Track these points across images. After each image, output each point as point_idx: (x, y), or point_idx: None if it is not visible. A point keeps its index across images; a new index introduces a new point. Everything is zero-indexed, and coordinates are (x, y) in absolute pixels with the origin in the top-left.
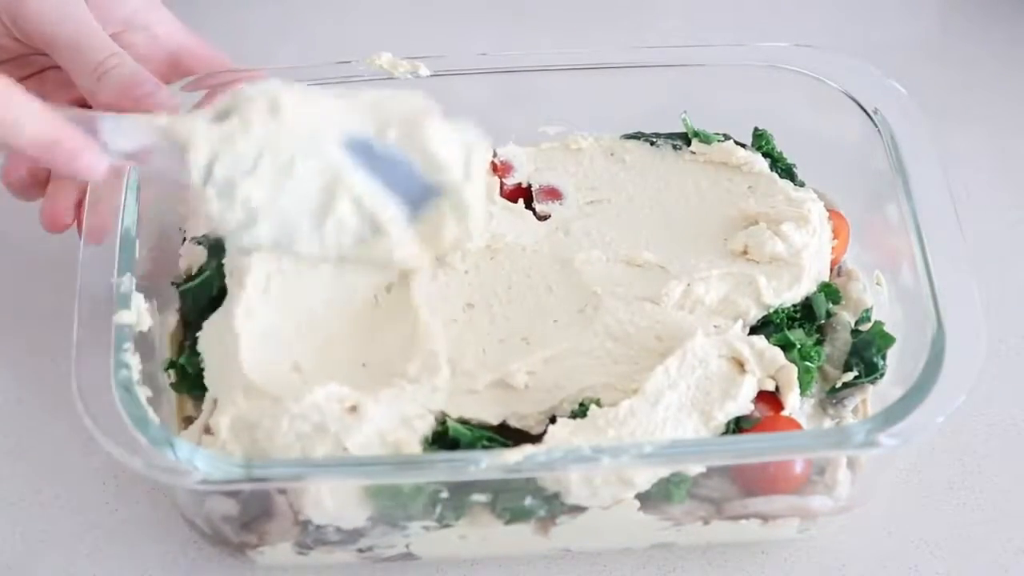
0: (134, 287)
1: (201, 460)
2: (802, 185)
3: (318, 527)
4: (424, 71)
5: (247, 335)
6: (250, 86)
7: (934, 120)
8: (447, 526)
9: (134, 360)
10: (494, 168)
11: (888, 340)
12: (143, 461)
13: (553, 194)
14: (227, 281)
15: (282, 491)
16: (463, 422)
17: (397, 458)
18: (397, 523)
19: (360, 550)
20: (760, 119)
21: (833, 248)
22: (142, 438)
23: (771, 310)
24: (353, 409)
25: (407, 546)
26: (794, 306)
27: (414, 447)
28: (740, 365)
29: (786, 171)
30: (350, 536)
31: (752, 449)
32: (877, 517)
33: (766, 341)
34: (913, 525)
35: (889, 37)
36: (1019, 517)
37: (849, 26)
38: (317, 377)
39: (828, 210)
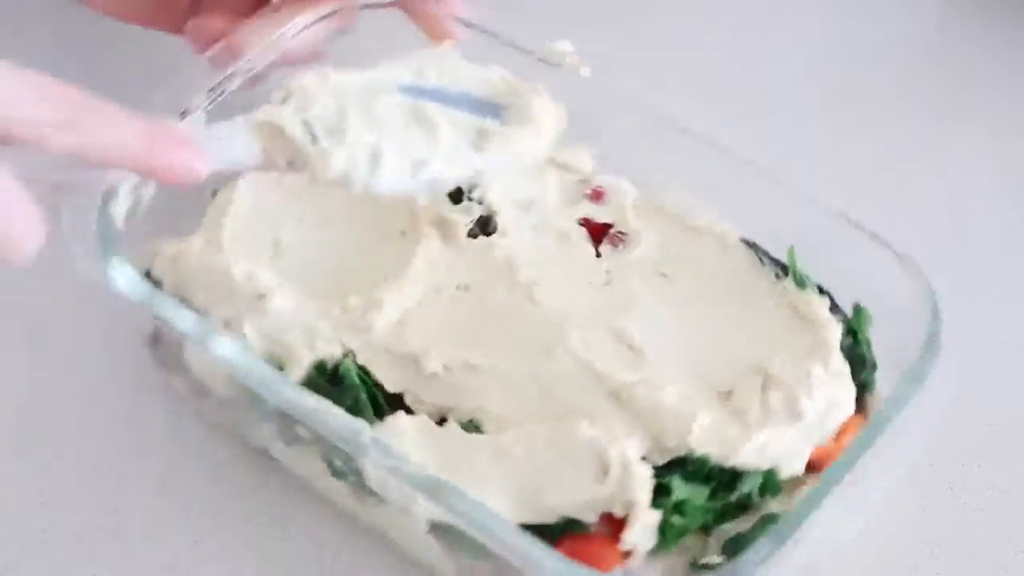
0: None
1: (122, 277)
2: (865, 387)
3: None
4: (586, 72)
5: (244, 200)
6: (293, 77)
7: (934, 120)
8: (289, 444)
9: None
10: (595, 195)
11: None
12: (82, 264)
13: (619, 240)
14: None
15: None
16: (364, 371)
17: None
18: (252, 415)
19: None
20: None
21: (822, 452)
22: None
23: (692, 455)
24: (260, 297)
25: (266, 445)
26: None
27: (301, 363)
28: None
29: (860, 360)
30: (225, 405)
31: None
32: (877, 517)
33: (642, 464)
34: (913, 525)
35: (889, 37)
36: (1019, 517)
37: (849, 26)
38: (280, 263)
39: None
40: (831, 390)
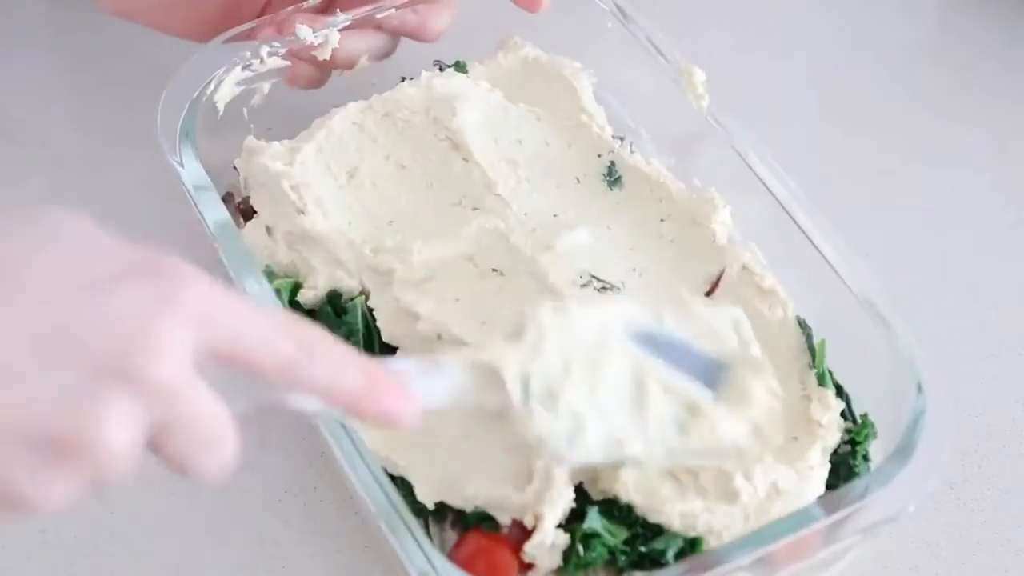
0: None
1: (191, 167)
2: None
3: None
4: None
5: (344, 122)
6: (530, 307)
7: (934, 120)
8: None
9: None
10: None
11: None
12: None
13: None
14: None
15: None
16: (371, 314)
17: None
18: None
19: None
20: None
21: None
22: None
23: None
24: (299, 212)
25: None
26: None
27: (317, 286)
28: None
29: (848, 469)
30: None
31: None
32: None
33: (565, 485)
34: (913, 525)
35: (889, 37)
36: (1019, 517)
37: (849, 26)
38: (346, 191)
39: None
40: (780, 479)
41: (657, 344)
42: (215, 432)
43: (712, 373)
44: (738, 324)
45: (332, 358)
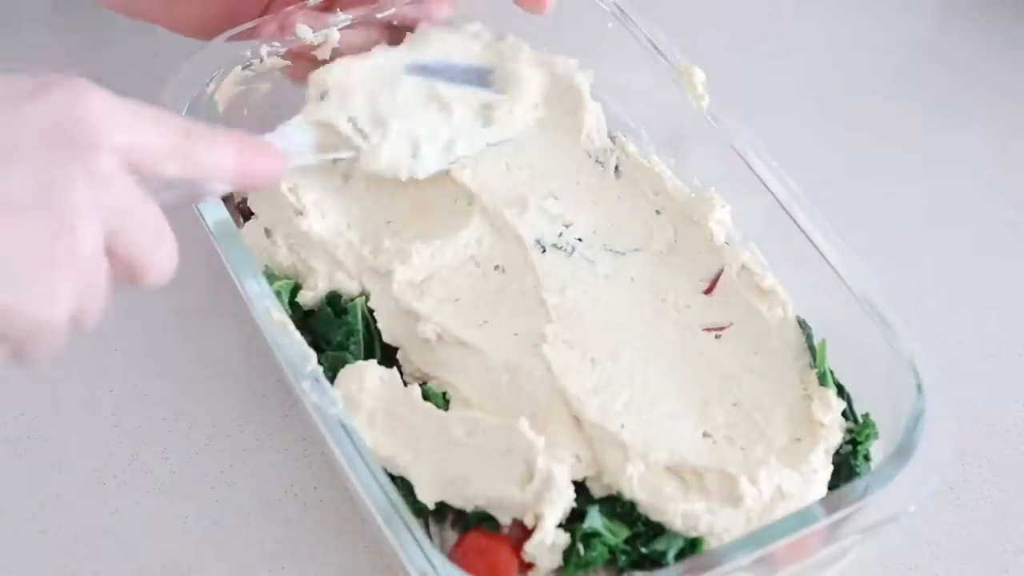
0: None
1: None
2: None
3: None
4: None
5: None
6: (314, 75)
7: (934, 120)
8: None
9: None
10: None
11: None
12: None
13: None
14: None
15: None
16: (371, 315)
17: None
18: None
19: None
20: None
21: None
22: None
23: (623, 496)
24: (298, 213)
25: None
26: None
27: (317, 287)
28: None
29: (849, 469)
30: None
31: None
32: None
33: (566, 485)
34: (913, 525)
35: (889, 37)
36: (1019, 517)
37: (849, 26)
38: (346, 190)
39: None
40: (784, 482)
41: (428, 70)
42: (157, 225)
43: (482, 77)
44: (479, 33)
45: (207, 141)
